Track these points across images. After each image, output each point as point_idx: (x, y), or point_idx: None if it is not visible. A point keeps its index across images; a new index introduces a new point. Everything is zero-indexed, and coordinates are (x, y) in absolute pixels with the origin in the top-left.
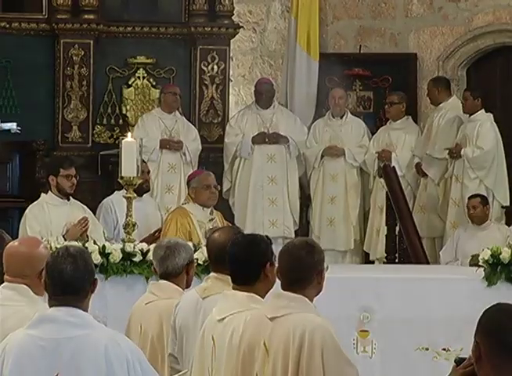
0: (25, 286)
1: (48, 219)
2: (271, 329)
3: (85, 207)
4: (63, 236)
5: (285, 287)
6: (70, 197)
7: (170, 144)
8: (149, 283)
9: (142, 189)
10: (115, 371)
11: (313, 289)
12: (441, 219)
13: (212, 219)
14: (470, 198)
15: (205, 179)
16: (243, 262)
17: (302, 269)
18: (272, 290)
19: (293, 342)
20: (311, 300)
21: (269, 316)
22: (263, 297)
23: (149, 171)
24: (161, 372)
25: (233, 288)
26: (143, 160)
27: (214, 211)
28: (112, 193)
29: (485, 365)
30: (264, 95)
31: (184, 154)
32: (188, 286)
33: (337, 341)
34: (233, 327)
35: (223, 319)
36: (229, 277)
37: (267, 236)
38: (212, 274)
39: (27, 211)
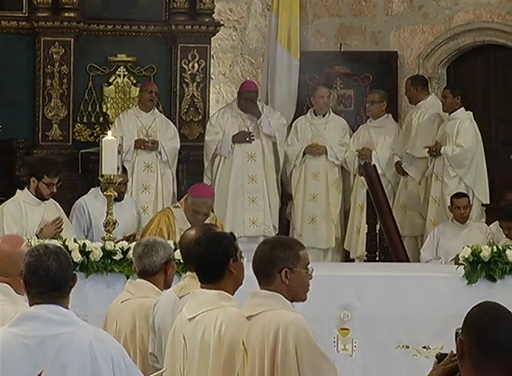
0: (6, 285)
1: (25, 219)
2: (248, 328)
3: (59, 206)
4: (37, 236)
5: (258, 283)
6: None
7: (144, 145)
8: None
9: (118, 198)
10: (100, 368)
11: (281, 287)
12: (423, 218)
13: None
14: (457, 197)
15: (197, 206)
16: (206, 260)
17: (261, 264)
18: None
19: (268, 340)
20: (287, 298)
21: (246, 315)
22: (232, 293)
23: (126, 182)
24: None
25: (201, 287)
26: (125, 170)
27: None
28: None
29: (467, 362)
30: (247, 102)
31: (160, 153)
32: (167, 286)
33: (312, 336)
34: (205, 325)
35: (193, 317)
36: None
37: (231, 233)
38: (189, 273)
39: (3, 208)
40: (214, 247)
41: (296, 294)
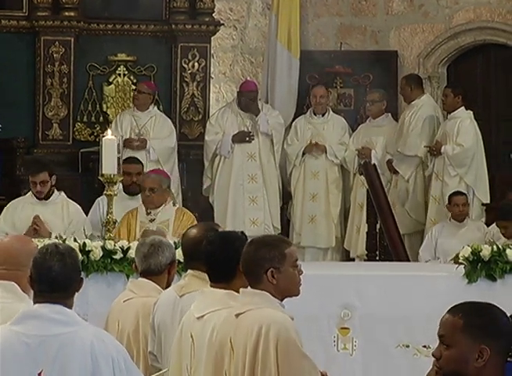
0: (13, 283)
1: (17, 218)
2: (235, 326)
3: (73, 204)
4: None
5: (248, 284)
6: (61, 194)
7: (131, 144)
8: (128, 281)
9: (134, 190)
10: (101, 369)
11: (269, 286)
12: (410, 216)
13: (153, 220)
14: (454, 196)
15: (142, 181)
16: (218, 259)
17: (247, 266)
18: None
19: (251, 339)
20: (275, 296)
21: (235, 313)
22: None
23: (139, 173)
24: None
25: (211, 286)
26: (139, 161)
27: (175, 207)
28: (95, 190)
29: (492, 370)
30: (248, 101)
31: (148, 152)
32: (168, 286)
33: (294, 335)
34: (213, 324)
35: (202, 316)
36: (206, 274)
37: (242, 233)
38: (189, 272)
39: (4, 208)
40: (226, 247)
41: (286, 291)
